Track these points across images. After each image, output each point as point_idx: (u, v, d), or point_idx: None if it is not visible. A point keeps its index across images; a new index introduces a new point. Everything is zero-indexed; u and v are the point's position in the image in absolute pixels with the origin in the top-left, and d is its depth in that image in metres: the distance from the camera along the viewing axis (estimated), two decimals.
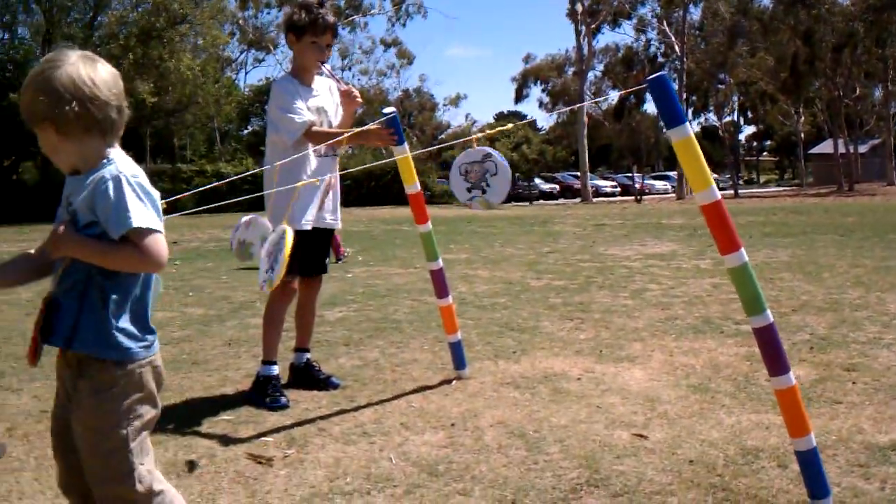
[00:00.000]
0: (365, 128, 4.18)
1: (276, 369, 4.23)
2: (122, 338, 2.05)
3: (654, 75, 2.71)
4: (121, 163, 2.07)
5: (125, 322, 2.06)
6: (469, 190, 3.70)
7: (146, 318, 2.13)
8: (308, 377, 4.43)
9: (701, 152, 2.70)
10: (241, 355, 5.22)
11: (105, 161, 2.07)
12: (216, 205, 3.95)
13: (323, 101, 4.32)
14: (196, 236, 16.95)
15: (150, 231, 2.00)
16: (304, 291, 4.47)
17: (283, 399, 4.08)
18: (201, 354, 5.28)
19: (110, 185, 1.99)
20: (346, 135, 4.08)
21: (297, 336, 4.58)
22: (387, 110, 4.15)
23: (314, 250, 4.34)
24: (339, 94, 4.36)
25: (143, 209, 2.00)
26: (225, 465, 3.25)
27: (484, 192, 3.67)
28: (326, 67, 4.35)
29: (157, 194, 2.09)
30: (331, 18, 4.22)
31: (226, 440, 3.56)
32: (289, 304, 4.36)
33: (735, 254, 2.68)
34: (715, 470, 3.02)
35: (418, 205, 4.34)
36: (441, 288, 4.45)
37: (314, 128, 4.11)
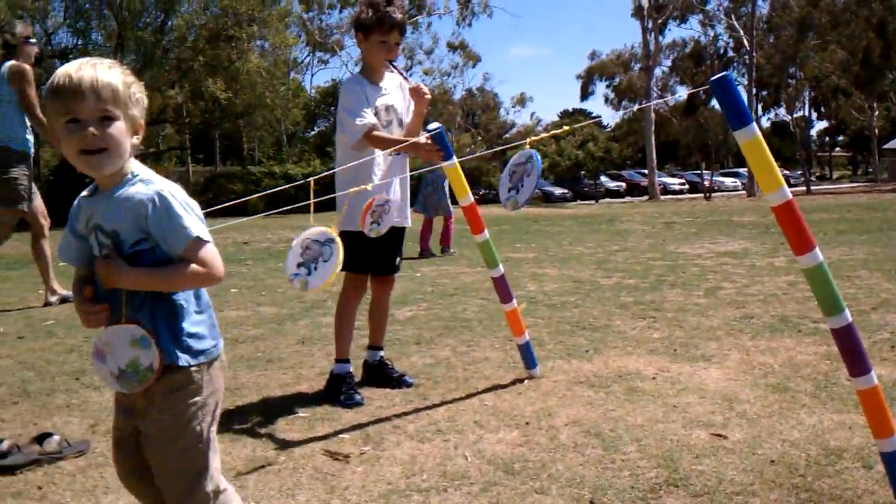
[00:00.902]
0: (413, 140, 4.15)
1: (349, 367, 4.27)
2: (194, 342, 2.09)
3: (717, 76, 2.60)
4: (155, 177, 2.08)
5: (195, 325, 2.11)
6: (509, 190, 3.75)
7: (211, 315, 2.17)
8: (381, 375, 4.47)
9: (769, 152, 2.61)
10: (315, 353, 5.28)
11: (132, 175, 2.07)
12: (287, 208, 4.03)
13: (393, 100, 4.33)
14: (266, 237, 17.17)
15: (205, 241, 2.03)
16: (376, 290, 4.51)
17: (358, 396, 4.12)
18: (276, 353, 5.35)
19: (157, 201, 2.00)
20: (396, 146, 4.11)
21: (371, 334, 4.61)
22: (432, 126, 4.12)
23: (386, 249, 4.36)
24: (408, 91, 4.38)
25: (195, 221, 2.03)
26: (303, 461, 3.29)
27: (518, 191, 3.73)
28: (395, 66, 4.36)
29: (196, 204, 2.09)
30: (398, 16, 4.21)
31: (303, 437, 3.61)
32: (359, 302, 4.40)
33: (809, 254, 2.60)
34: (797, 470, 2.96)
35: (473, 215, 4.29)
36: (504, 293, 4.43)
37: (375, 132, 4.12)
